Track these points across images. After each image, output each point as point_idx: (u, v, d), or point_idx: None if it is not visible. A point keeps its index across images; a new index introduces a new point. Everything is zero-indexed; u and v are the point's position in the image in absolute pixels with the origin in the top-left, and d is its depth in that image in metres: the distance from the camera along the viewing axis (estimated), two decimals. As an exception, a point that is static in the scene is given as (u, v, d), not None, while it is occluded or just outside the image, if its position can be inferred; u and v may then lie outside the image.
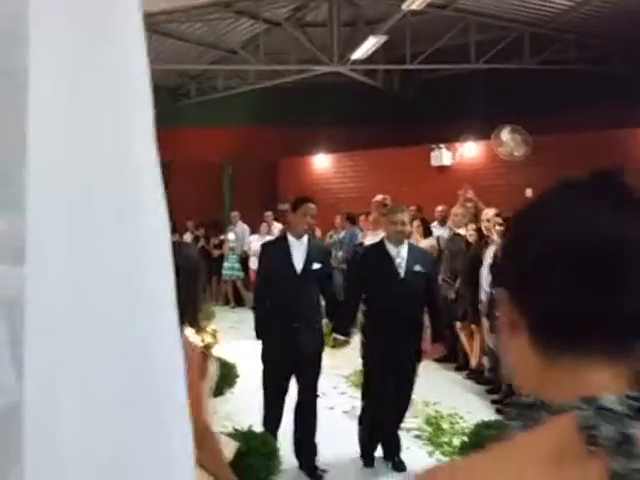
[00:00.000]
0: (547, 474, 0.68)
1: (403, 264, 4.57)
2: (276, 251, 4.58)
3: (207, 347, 7.18)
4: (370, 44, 10.49)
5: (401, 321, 4.40)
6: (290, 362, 4.38)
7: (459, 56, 11.72)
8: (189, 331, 2.11)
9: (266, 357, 4.50)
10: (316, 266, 4.48)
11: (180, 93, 14.56)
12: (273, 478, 3.61)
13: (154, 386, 1.23)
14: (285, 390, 4.48)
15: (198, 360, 2.05)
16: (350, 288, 5.08)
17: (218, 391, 5.69)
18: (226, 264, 12.47)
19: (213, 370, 2.21)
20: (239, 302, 12.45)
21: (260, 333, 4.56)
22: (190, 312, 2.01)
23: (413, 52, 11.64)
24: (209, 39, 12.20)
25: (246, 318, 11.06)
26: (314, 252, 4.54)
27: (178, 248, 2.16)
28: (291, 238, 4.52)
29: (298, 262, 4.44)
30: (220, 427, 4.39)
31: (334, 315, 4.87)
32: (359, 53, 10.92)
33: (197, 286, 2.08)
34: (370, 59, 11.61)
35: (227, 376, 5.76)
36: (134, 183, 1.24)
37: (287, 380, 4.47)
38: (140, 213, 1.24)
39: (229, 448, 2.31)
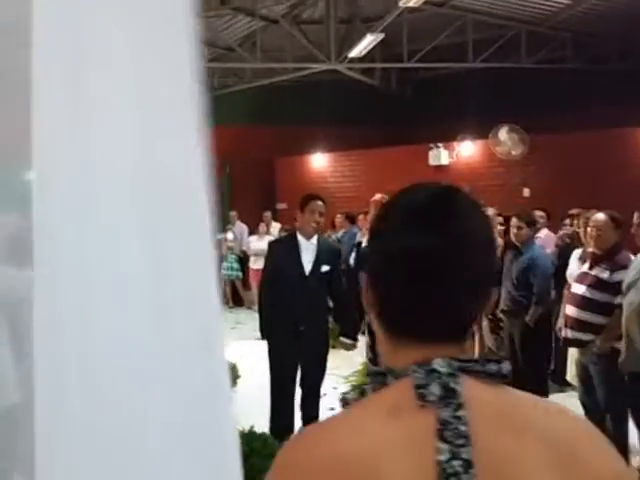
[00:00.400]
0: (384, 425, 0.84)
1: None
2: (284, 250, 4.52)
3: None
4: (367, 42, 10.45)
5: None
6: (296, 363, 4.35)
7: (456, 54, 11.69)
8: None
9: (272, 357, 4.46)
10: (325, 268, 4.41)
11: (176, 92, 14.50)
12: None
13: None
14: (293, 391, 4.44)
15: None
16: (355, 290, 5.00)
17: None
18: (224, 264, 12.44)
19: None
20: (237, 302, 12.43)
21: (266, 333, 4.51)
22: None
23: (410, 50, 11.61)
24: (206, 36, 12.14)
25: (246, 319, 11.09)
26: (324, 253, 4.46)
27: None
28: (301, 238, 4.44)
29: (307, 263, 4.37)
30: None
31: (342, 318, 4.81)
32: (356, 51, 10.88)
33: None
34: (367, 57, 11.58)
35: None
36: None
37: (294, 381, 4.44)
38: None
39: None
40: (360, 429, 0.85)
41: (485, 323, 6.27)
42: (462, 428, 0.82)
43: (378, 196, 9.01)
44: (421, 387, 0.84)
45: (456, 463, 0.80)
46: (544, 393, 5.68)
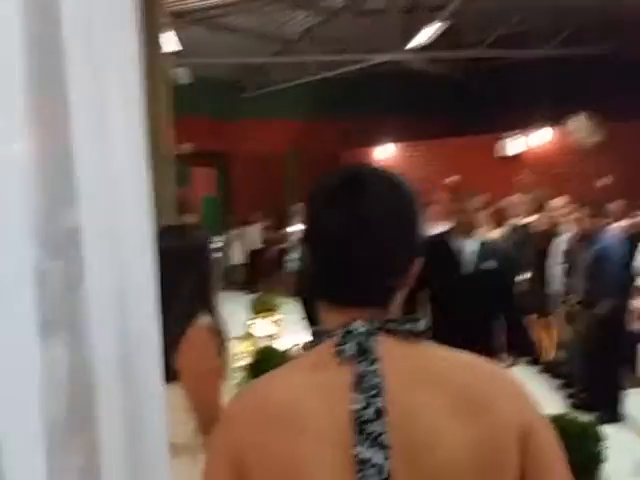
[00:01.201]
0: (307, 379, 0.98)
1: (472, 259, 3.85)
2: None
3: (270, 337, 7.19)
4: (431, 30, 10.20)
5: (468, 322, 3.65)
6: None
7: (526, 41, 11.28)
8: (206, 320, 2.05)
9: None
10: None
11: (241, 86, 14.62)
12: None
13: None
14: None
15: (203, 341, 1.96)
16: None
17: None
18: (291, 255, 12.53)
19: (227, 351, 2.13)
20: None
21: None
22: (200, 297, 1.99)
23: (478, 38, 11.28)
24: (267, 31, 12.17)
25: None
26: None
27: (181, 232, 2.11)
28: None
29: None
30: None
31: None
32: (420, 40, 10.64)
33: (204, 270, 2.04)
34: (432, 46, 11.31)
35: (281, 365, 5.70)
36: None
37: None
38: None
39: None
40: (288, 383, 1.00)
41: (560, 314, 6.01)
42: (375, 380, 0.93)
43: (452, 179, 9.00)
44: (339, 345, 0.97)
45: (369, 411, 0.91)
46: (617, 387, 5.38)
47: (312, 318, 4.26)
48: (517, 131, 11.65)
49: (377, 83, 13.13)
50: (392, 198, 1.03)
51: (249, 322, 7.79)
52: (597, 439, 3.53)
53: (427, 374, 0.96)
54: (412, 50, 11.23)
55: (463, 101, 13.09)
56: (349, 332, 0.97)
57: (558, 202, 6.59)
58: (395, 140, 13.01)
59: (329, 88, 13.44)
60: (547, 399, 5.58)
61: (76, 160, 1.15)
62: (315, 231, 1.04)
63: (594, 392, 5.45)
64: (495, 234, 6.98)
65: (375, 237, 0.98)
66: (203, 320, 1.97)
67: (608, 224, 5.74)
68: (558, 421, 3.60)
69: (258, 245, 13.50)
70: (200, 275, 2.01)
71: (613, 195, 7.87)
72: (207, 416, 1.97)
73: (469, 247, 3.85)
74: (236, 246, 14.05)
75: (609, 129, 10.46)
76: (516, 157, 11.71)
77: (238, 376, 6.42)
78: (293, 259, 12.44)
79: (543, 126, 11.49)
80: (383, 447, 0.90)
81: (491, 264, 3.80)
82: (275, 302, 7.90)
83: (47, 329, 1.08)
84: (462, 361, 1.01)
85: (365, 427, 0.91)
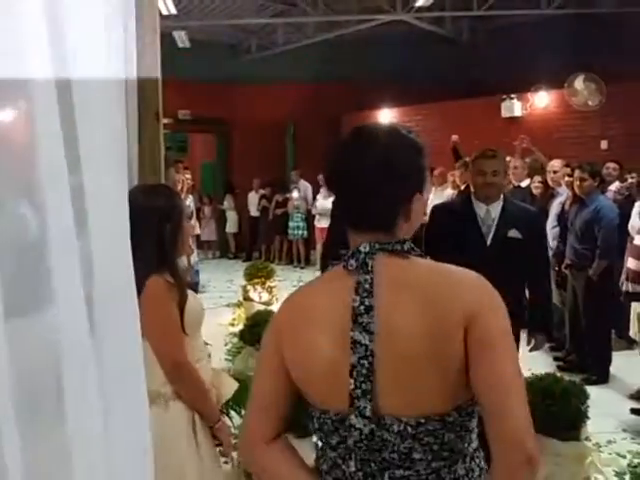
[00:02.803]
0: (324, 284, 1.39)
1: (493, 227, 3.47)
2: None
3: (265, 304, 7.23)
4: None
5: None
6: None
7: (530, 1, 11.09)
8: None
9: None
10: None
11: (240, 49, 14.47)
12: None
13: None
14: None
15: (159, 293, 2.04)
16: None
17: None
18: (291, 223, 12.48)
19: (195, 306, 2.18)
20: (307, 262, 12.51)
21: None
22: (160, 257, 2.06)
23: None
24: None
25: (310, 277, 11.06)
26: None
27: (147, 192, 2.15)
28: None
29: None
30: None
31: None
32: (423, 1, 10.48)
33: (163, 231, 2.10)
34: (436, 6, 11.14)
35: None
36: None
37: None
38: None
39: (227, 387, 2.33)
40: (311, 289, 1.42)
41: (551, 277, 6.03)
42: (367, 286, 1.27)
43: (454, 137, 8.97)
44: (346, 261, 1.32)
45: (362, 307, 1.26)
46: (607, 349, 5.43)
47: None
48: (520, 93, 11.53)
49: (379, 45, 12.95)
50: (395, 147, 1.32)
51: (243, 289, 7.83)
52: (581, 398, 3.59)
53: (407, 280, 1.28)
54: (415, 10, 11.08)
55: (469, 62, 12.91)
56: (357, 251, 1.30)
57: (555, 164, 6.57)
58: (399, 103, 12.87)
59: (330, 50, 13.27)
60: (535, 361, 5.65)
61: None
62: (333, 175, 1.38)
63: (583, 354, 5.51)
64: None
65: (381, 177, 1.29)
66: (159, 277, 2.05)
67: (602, 187, 5.73)
68: (544, 380, 3.67)
69: (256, 212, 13.48)
70: (160, 235, 2.08)
71: (609, 158, 7.83)
72: (169, 366, 2.07)
73: (489, 213, 3.47)
74: (229, 215, 14.03)
75: (608, 91, 10.35)
76: (518, 119, 11.61)
77: (232, 341, 6.50)
78: (294, 227, 12.45)
79: (545, 88, 11.36)
80: (370, 333, 1.24)
81: (515, 232, 3.41)
82: (269, 269, 7.93)
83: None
84: (440, 269, 1.32)
85: (358, 318, 1.25)
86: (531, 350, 3.67)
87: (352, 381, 1.23)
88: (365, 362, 1.23)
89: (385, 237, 1.31)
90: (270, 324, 1.40)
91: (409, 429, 1.22)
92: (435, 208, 3.82)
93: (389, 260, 1.29)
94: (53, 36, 1.13)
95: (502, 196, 3.52)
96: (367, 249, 1.30)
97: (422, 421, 1.22)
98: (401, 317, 1.23)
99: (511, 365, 1.20)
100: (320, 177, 11.96)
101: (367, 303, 1.25)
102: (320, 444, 1.38)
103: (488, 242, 3.43)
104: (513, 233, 3.41)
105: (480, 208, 3.48)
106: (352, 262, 1.30)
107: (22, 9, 1.09)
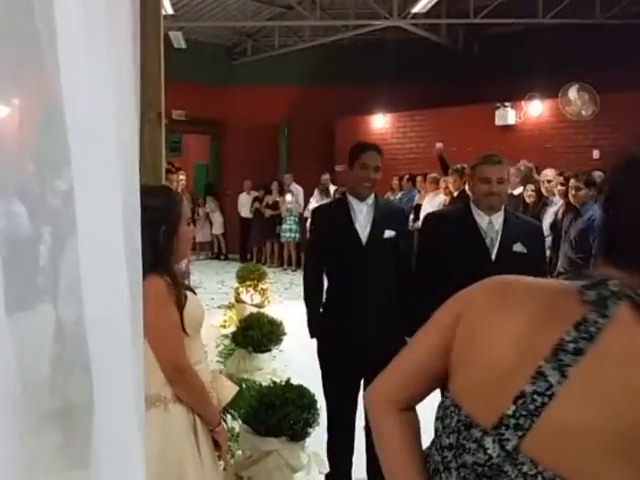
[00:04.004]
0: (542, 294, 1.13)
1: (497, 240, 3.17)
2: (331, 218, 3.44)
3: (257, 306, 7.22)
4: (430, -2, 10.12)
5: None
6: (356, 366, 3.19)
7: (525, 10, 11.18)
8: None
9: (324, 359, 3.40)
10: (389, 233, 3.32)
11: (236, 51, 14.49)
12: (310, 430, 3.55)
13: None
14: (355, 404, 3.34)
15: (159, 294, 2.01)
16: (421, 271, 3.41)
17: (265, 348, 5.68)
18: (284, 226, 12.48)
19: (196, 307, 2.16)
20: (299, 265, 12.52)
21: (315, 329, 3.43)
22: (158, 259, 2.01)
23: (477, 6, 11.17)
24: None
25: (301, 280, 11.13)
26: (384, 216, 3.37)
27: (144, 192, 2.11)
28: (352, 199, 3.38)
29: (362, 229, 3.32)
30: (265, 382, 4.35)
31: (409, 310, 3.26)
32: (420, 6, 10.54)
33: (158, 234, 2.05)
34: (432, 13, 11.20)
35: (274, 333, 5.73)
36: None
37: (355, 391, 3.33)
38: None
39: (227, 390, 2.30)
40: (527, 287, 1.16)
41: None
42: (592, 329, 1.02)
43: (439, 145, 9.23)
44: (584, 288, 1.06)
45: (572, 346, 1.02)
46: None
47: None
48: (514, 101, 11.61)
49: (374, 51, 13.02)
50: None
51: (235, 291, 7.83)
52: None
53: (630, 357, 1.00)
54: (411, 16, 11.13)
55: (463, 69, 12.98)
56: (604, 284, 1.04)
57: (549, 173, 6.63)
58: (392, 109, 12.93)
59: (325, 55, 13.32)
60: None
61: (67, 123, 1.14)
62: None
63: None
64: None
65: None
66: (158, 277, 2.02)
67: (595, 196, 5.77)
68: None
69: (248, 214, 13.48)
70: (154, 237, 2.03)
71: (601, 167, 7.90)
72: (169, 369, 2.05)
73: (492, 225, 3.19)
74: (214, 217, 14.01)
75: (601, 101, 10.45)
76: (512, 127, 11.69)
77: (224, 343, 6.49)
78: (286, 229, 12.44)
79: (540, 96, 11.45)
80: (563, 375, 1.02)
81: (520, 247, 3.11)
82: (261, 271, 7.93)
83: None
84: None
85: (560, 354, 1.03)
86: None
87: (513, 407, 1.06)
88: (539, 399, 1.04)
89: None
90: (458, 297, 1.23)
91: (539, 478, 1.03)
92: (430, 217, 3.63)
93: (634, 316, 1.01)
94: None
95: (503, 206, 3.24)
96: (617, 289, 1.03)
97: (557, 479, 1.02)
98: (604, 387, 1.00)
99: None
100: (325, 177, 12.01)
101: (580, 345, 1.02)
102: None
103: (493, 256, 3.14)
104: (518, 247, 3.14)
105: (482, 219, 3.18)
106: (591, 293, 1.05)
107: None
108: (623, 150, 1.14)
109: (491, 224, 3.18)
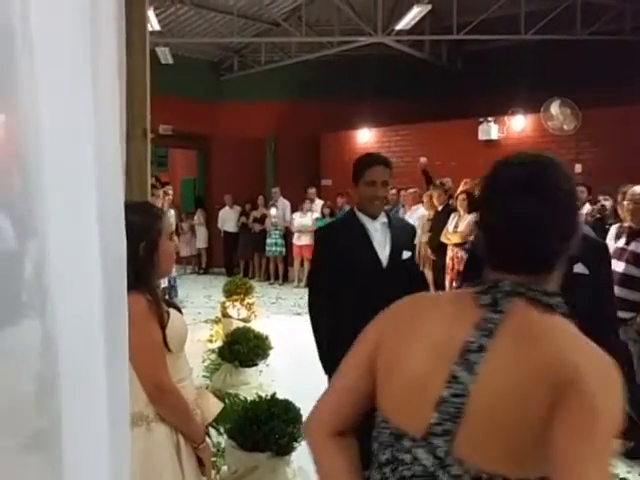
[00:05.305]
0: (444, 305, 1.27)
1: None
2: (346, 236, 3.14)
3: (243, 320, 7.22)
4: (415, 13, 10.23)
5: None
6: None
7: (508, 27, 11.34)
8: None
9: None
10: (406, 254, 3.15)
11: (223, 67, 14.56)
12: (295, 445, 3.55)
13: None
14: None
15: (140, 312, 1.98)
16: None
17: (251, 362, 5.67)
18: (269, 240, 12.48)
19: (178, 324, 2.14)
20: (285, 279, 12.52)
21: (329, 367, 3.01)
22: (138, 276, 1.95)
23: (460, 22, 11.31)
24: (251, 11, 12.13)
25: (287, 294, 11.18)
26: (399, 236, 3.17)
27: (125, 208, 2.08)
28: (362, 217, 3.15)
29: (381, 250, 3.09)
30: (252, 397, 4.34)
31: None
32: (404, 23, 10.66)
33: (137, 250, 2.02)
34: (416, 30, 11.33)
35: (260, 347, 5.73)
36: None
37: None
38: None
39: (212, 407, 2.28)
40: (430, 302, 1.33)
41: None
42: (490, 325, 1.14)
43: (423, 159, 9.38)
44: (479, 293, 1.19)
45: (475, 345, 1.12)
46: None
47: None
48: (497, 116, 11.74)
49: (359, 67, 13.14)
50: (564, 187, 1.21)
51: (221, 305, 7.81)
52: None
53: (532, 334, 1.11)
54: (395, 33, 11.26)
55: (447, 85, 13.12)
56: (495, 286, 1.17)
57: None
58: (377, 124, 13.03)
59: (311, 71, 13.42)
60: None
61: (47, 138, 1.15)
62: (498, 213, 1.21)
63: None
64: (469, 218, 7.10)
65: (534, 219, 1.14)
66: (139, 295, 1.99)
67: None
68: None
69: (233, 228, 13.46)
70: (134, 253, 1.95)
71: (587, 182, 8.02)
72: (151, 388, 2.03)
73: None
74: (199, 230, 14.00)
75: (583, 116, 10.60)
76: (495, 142, 11.81)
77: (210, 358, 6.47)
78: (271, 243, 12.44)
79: (522, 111, 11.58)
80: (473, 373, 1.11)
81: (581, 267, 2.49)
82: (248, 285, 7.92)
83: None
84: (568, 332, 1.13)
85: (466, 354, 1.13)
86: None
87: (436, 415, 1.12)
88: (457, 400, 1.11)
89: (535, 280, 1.16)
90: (375, 321, 1.31)
91: (466, 477, 1.09)
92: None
93: (526, 309, 1.14)
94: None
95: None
96: (509, 288, 1.15)
97: (484, 476, 1.08)
98: (507, 371, 1.09)
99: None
100: (311, 191, 12.07)
101: (482, 342, 1.12)
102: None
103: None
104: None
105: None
106: (486, 298, 1.17)
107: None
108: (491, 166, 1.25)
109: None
